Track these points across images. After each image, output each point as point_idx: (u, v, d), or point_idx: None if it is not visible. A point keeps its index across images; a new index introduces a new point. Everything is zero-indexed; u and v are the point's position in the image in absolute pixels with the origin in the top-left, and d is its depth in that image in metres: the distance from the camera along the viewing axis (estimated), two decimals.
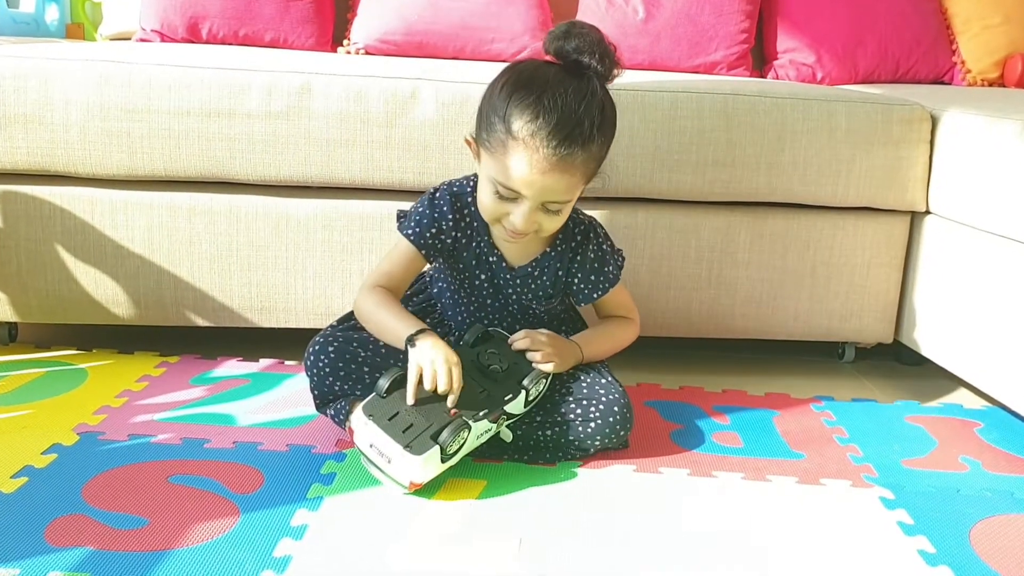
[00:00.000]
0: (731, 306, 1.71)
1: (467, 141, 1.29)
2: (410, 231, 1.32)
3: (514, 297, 1.38)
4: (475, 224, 1.33)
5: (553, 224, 1.25)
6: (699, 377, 1.71)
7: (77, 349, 1.68)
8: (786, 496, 1.26)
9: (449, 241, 1.33)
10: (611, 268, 1.38)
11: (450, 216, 1.31)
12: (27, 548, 1.03)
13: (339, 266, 1.62)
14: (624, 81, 1.61)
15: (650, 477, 1.29)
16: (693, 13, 2.11)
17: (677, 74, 2.07)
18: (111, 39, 2.21)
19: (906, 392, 1.72)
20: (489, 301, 1.39)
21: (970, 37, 2.17)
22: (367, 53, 2.06)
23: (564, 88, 1.17)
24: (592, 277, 1.36)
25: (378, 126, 1.55)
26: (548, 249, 1.35)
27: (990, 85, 2.17)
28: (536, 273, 1.35)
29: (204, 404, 1.47)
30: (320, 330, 1.38)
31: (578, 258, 1.35)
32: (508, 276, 1.36)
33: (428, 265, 1.39)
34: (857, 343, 1.83)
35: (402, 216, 1.35)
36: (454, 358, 1.22)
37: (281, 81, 1.53)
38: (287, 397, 1.51)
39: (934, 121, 1.66)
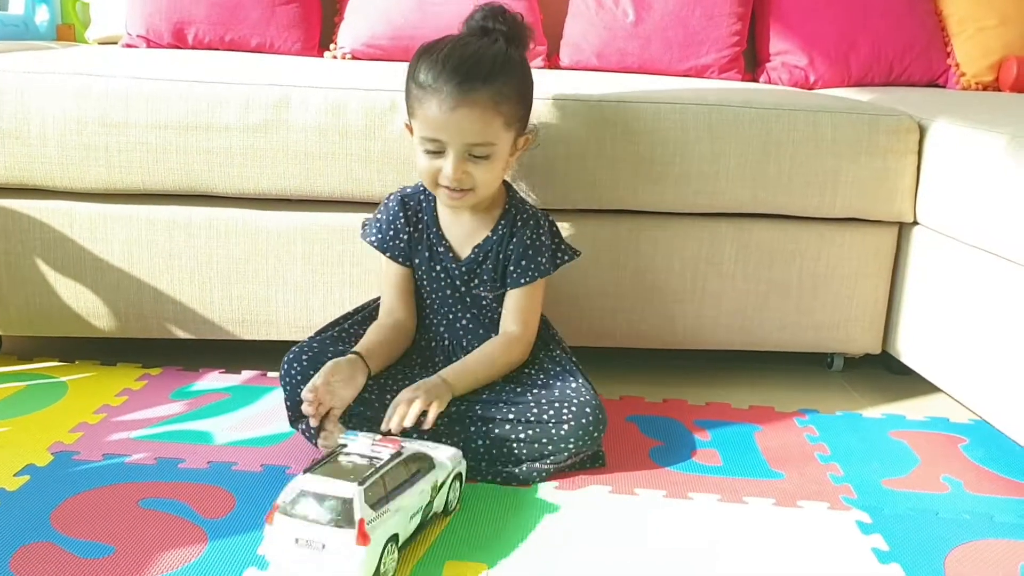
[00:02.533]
0: (716, 317, 1.70)
1: (406, 126, 1.36)
2: (373, 238, 1.41)
3: (464, 289, 1.41)
4: (424, 218, 1.40)
5: (484, 174, 1.30)
6: (683, 389, 1.70)
7: (60, 361, 1.68)
8: (761, 520, 1.25)
9: (405, 238, 1.40)
10: (544, 260, 1.39)
11: (401, 215, 1.39)
12: None
13: (319, 278, 1.62)
14: (606, 92, 1.61)
15: (625, 499, 1.29)
16: (684, 16, 2.08)
17: (666, 78, 2.06)
18: (99, 43, 2.20)
19: (893, 403, 1.70)
20: (449, 292, 1.42)
21: (965, 39, 2.14)
22: (354, 57, 2.05)
23: (464, 41, 1.30)
24: (523, 262, 1.38)
25: (357, 139, 1.53)
26: (490, 233, 1.39)
27: (984, 89, 2.14)
28: (480, 259, 1.39)
29: (182, 420, 1.47)
30: (299, 342, 1.38)
31: (514, 240, 1.38)
32: (454, 267, 1.39)
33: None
34: (845, 353, 1.82)
35: (364, 227, 1.43)
36: (325, 373, 1.23)
37: (259, 94, 1.52)
38: (265, 412, 1.51)
39: (922, 131, 1.63)
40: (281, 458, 1.35)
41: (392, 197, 1.42)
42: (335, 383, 1.24)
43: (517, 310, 1.39)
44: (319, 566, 1.01)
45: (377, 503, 1.04)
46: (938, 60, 2.16)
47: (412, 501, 1.10)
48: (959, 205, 1.52)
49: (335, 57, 2.06)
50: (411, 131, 1.35)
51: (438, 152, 1.29)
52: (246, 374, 1.67)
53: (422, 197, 1.40)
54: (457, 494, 1.22)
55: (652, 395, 1.67)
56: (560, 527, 1.20)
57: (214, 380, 1.64)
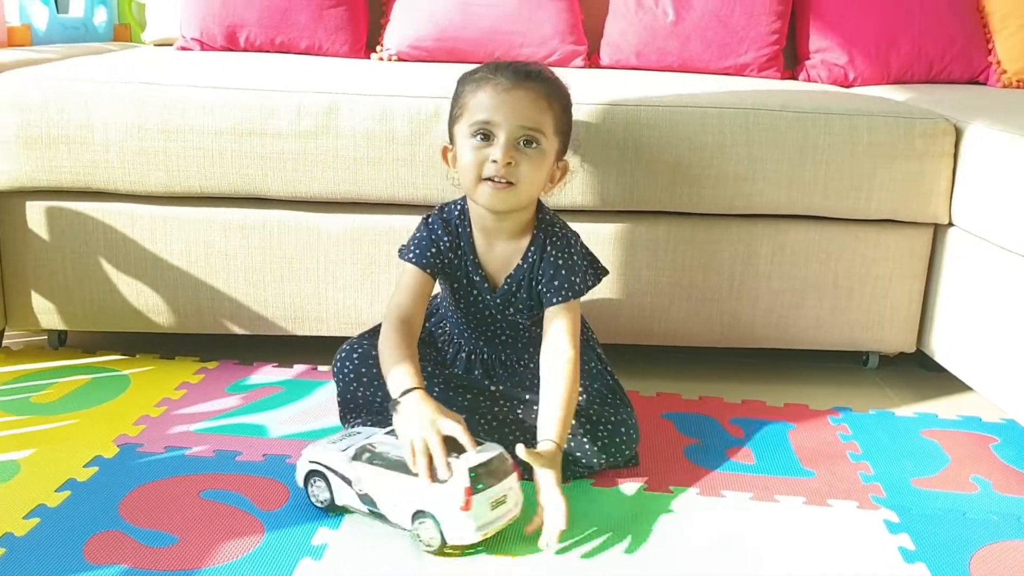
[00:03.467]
0: (752, 316, 1.74)
1: (443, 149, 1.40)
2: (411, 255, 1.39)
3: (499, 318, 1.43)
4: (463, 244, 1.40)
5: (529, 171, 1.29)
6: (720, 386, 1.75)
7: (122, 354, 1.77)
8: (791, 518, 1.30)
9: (446, 261, 1.40)
10: (577, 279, 1.37)
11: (445, 238, 1.39)
12: (68, 565, 1.11)
13: (367, 277, 1.68)
14: (644, 96, 1.65)
15: (659, 497, 1.34)
16: (723, 15, 2.11)
17: (705, 76, 2.09)
18: (155, 44, 2.28)
19: (927, 401, 1.73)
20: (488, 313, 1.43)
21: (1007, 36, 2.14)
22: (399, 59, 2.10)
23: (508, 61, 1.36)
24: (555, 282, 1.36)
25: (403, 144, 1.59)
26: (520, 261, 1.38)
27: None
28: (514, 289, 1.40)
29: (238, 414, 1.55)
30: (349, 338, 1.45)
31: (542, 264, 1.37)
32: (490, 298, 1.41)
33: (438, 289, 1.45)
34: (879, 352, 1.84)
35: (402, 249, 1.41)
36: (433, 424, 1.19)
37: (310, 101, 1.58)
38: (317, 407, 1.58)
39: (959, 133, 1.65)
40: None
41: (432, 218, 1.41)
42: (432, 435, 1.19)
43: (564, 330, 1.34)
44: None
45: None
46: (979, 58, 2.16)
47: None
48: (994, 208, 1.54)
49: (381, 59, 2.12)
50: (446, 157, 1.38)
51: (486, 141, 1.29)
52: (298, 368, 1.74)
53: (459, 223, 1.40)
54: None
55: (689, 392, 1.71)
56: (596, 523, 1.26)
57: (268, 374, 1.72)
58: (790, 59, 2.23)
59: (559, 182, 1.39)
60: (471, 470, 1.14)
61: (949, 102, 1.82)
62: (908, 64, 2.14)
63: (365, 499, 1.21)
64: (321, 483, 1.25)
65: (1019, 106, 1.83)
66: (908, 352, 1.80)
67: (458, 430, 1.18)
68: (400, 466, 1.18)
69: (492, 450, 1.20)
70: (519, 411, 1.38)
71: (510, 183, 1.29)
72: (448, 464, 1.15)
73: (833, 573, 1.18)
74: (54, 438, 1.43)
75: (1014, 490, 1.41)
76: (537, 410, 1.31)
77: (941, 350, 1.71)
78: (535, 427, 1.31)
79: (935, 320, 1.73)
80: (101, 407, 1.55)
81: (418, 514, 1.16)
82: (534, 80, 1.31)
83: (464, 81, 1.35)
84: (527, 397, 1.40)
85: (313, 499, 1.26)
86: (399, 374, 1.26)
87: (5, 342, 1.81)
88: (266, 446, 1.44)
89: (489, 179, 1.29)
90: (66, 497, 1.26)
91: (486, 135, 1.29)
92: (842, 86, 2.16)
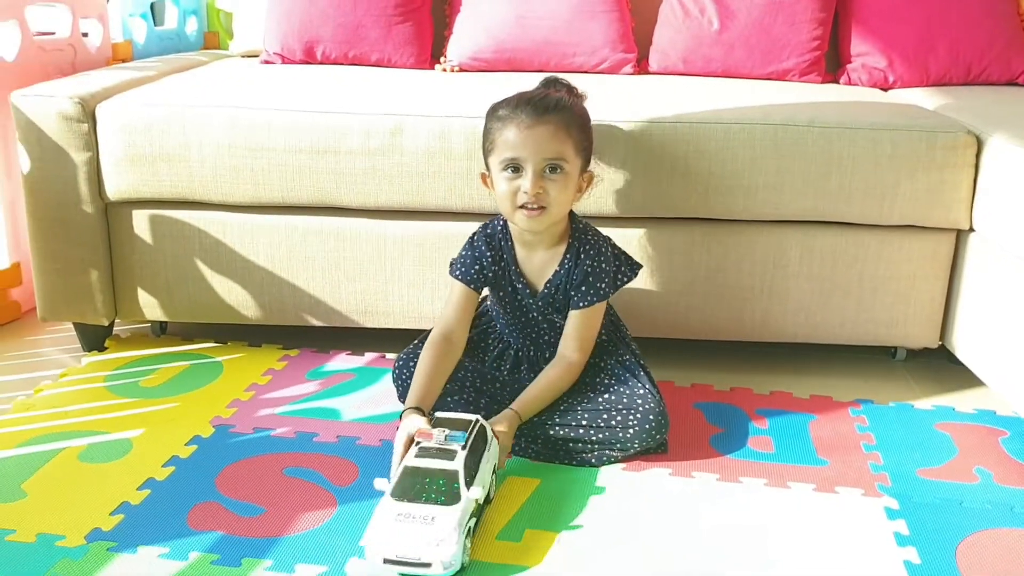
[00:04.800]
0: (782, 314, 1.88)
1: (482, 175, 1.60)
2: (458, 273, 1.60)
3: (540, 318, 1.62)
4: (506, 256, 1.60)
5: (558, 193, 1.49)
6: (750, 377, 1.89)
7: (215, 342, 2.01)
8: (799, 503, 1.45)
9: (490, 275, 1.60)
10: (603, 285, 1.57)
11: (488, 254, 1.60)
12: (174, 531, 1.33)
13: (428, 276, 1.88)
14: (678, 112, 1.79)
15: (681, 481, 1.51)
16: (767, 23, 2.22)
17: (748, 81, 2.21)
18: (242, 56, 2.49)
19: (947, 394, 1.85)
20: (531, 316, 1.63)
21: None
22: (461, 70, 2.28)
23: (532, 90, 1.58)
24: (583, 288, 1.57)
25: (459, 160, 1.77)
26: (558, 267, 1.58)
27: None
28: (553, 292, 1.59)
29: (316, 399, 1.76)
30: (412, 331, 1.67)
31: (577, 270, 1.57)
32: (532, 302, 1.61)
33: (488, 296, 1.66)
34: (904, 346, 1.96)
35: (451, 264, 1.62)
36: (399, 439, 1.39)
37: (377, 123, 1.77)
38: (383, 393, 1.78)
39: (980, 144, 1.75)
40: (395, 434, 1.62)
41: (477, 237, 1.61)
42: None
43: (576, 336, 1.57)
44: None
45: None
46: (1017, 60, 2.23)
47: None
48: (1011, 217, 1.64)
49: (444, 70, 2.29)
50: (485, 182, 1.59)
51: (516, 173, 1.49)
52: (368, 356, 1.95)
53: (501, 237, 1.60)
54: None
55: (720, 383, 1.87)
56: (623, 504, 1.44)
57: (342, 361, 1.93)
58: (832, 62, 2.33)
59: (586, 190, 1.59)
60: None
61: (978, 110, 1.91)
62: (946, 67, 2.22)
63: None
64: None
65: None
66: (933, 347, 1.92)
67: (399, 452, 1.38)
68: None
69: (450, 463, 1.31)
70: (556, 417, 1.55)
71: (542, 207, 1.49)
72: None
73: (830, 555, 1.33)
74: (160, 419, 1.66)
75: (1013, 482, 1.53)
76: (576, 407, 1.52)
77: (962, 346, 1.83)
78: (569, 426, 1.52)
79: (957, 318, 1.84)
80: (199, 391, 1.78)
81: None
82: (552, 113, 1.49)
83: (491, 117, 1.54)
84: (563, 406, 1.57)
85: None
86: (413, 390, 1.50)
87: (115, 331, 2.06)
88: (340, 428, 1.65)
89: (523, 206, 1.48)
90: (171, 472, 1.49)
91: (516, 168, 1.49)
92: (882, 88, 2.25)
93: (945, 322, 1.88)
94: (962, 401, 1.83)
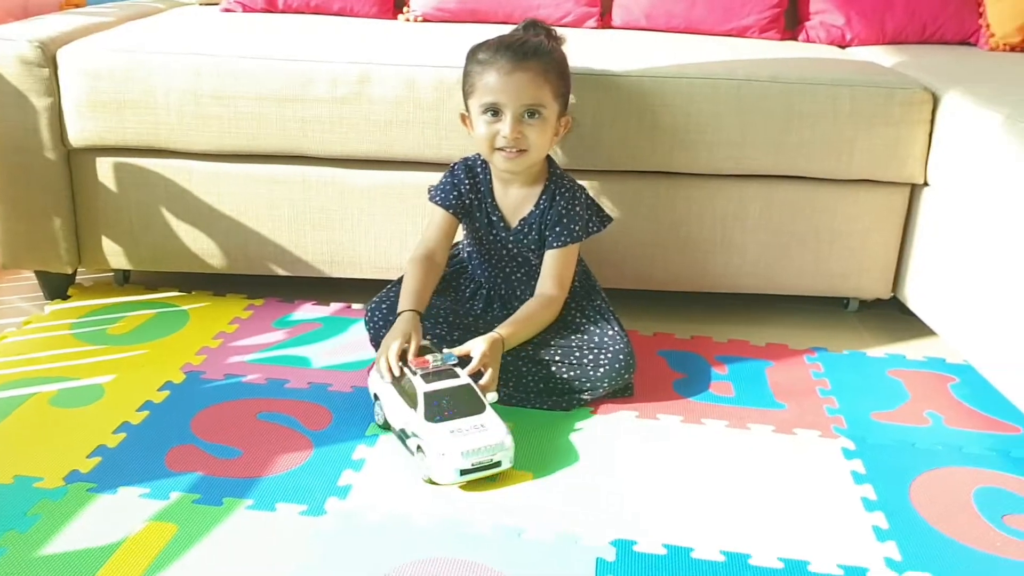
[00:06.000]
0: (741, 265, 1.93)
1: (461, 116, 1.62)
2: (437, 198, 1.65)
3: (515, 251, 1.66)
4: (482, 188, 1.65)
5: (537, 137, 1.53)
6: (710, 327, 1.95)
7: (179, 291, 2.00)
8: (759, 444, 1.51)
9: (467, 202, 1.64)
10: (576, 228, 1.61)
11: (466, 181, 1.64)
12: (152, 472, 1.35)
13: (395, 227, 1.89)
14: (645, 67, 1.81)
15: (648, 423, 1.56)
16: None
17: (709, 37, 2.24)
18: (201, 3, 2.45)
19: (898, 343, 1.92)
20: (504, 252, 1.67)
21: (996, 1, 2.26)
22: (424, 20, 2.27)
23: (511, 34, 1.60)
24: (557, 228, 1.61)
25: (428, 109, 1.78)
26: (533, 207, 1.62)
27: (1012, 50, 2.26)
28: (526, 230, 1.64)
29: (284, 347, 1.77)
30: (380, 281, 1.69)
31: (551, 210, 1.61)
32: (505, 235, 1.65)
33: (461, 233, 1.69)
34: (858, 297, 2.03)
35: (429, 191, 1.67)
36: (397, 344, 1.45)
37: (344, 71, 1.77)
38: (352, 342, 1.80)
39: (936, 100, 1.81)
40: (366, 381, 1.64)
41: (457, 166, 1.66)
42: (390, 353, 1.45)
43: (554, 273, 1.61)
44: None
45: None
46: (970, 20, 2.29)
47: None
48: (964, 170, 1.69)
49: (408, 20, 2.28)
50: (465, 122, 1.61)
51: (496, 117, 1.53)
52: (334, 306, 1.96)
53: (480, 169, 1.65)
54: None
55: (682, 332, 1.92)
56: (594, 445, 1.48)
57: (308, 311, 1.94)
58: (791, 20, 2.37)
59: (563, 134, 1.62)
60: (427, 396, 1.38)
61: (933, 67, 1.97)
62: (902, 26, 2.28)
63: (386, 424, 1.46)
64: (377, 405, 1.49)
65: (1000, 71, 1.97)
66: (885, 299, 1.99)
67: (393, 350, 1.45)
68: (405, 393, 1.41)
69: (459, 379, 1.42)
70: (530, 348, 1.59)
71: (521, 150, 1.52)
72: (398, 370, 1.43)
73: (792, 491, 1.39)
74: (130, 365, 1.66)
75: (963, 424, 1.61)
76: (549, 343, 1.56)
77: (913, 297, 1.90)
78: (543, 361, 1.54)
79: (909, 270, 1.91)
80: (167, 339, 1.78)
81: (418, 449, 1.37)
82: (531, 58, 1.51)
83: (471, 60, 1.56)
84: (537, 339, 1.61)
85: (377, 417, 1.50)
86: (404, 295, 1.56)
87: (78, 280, 2.04)
88: (310, 375, 1.66)
89: (501, 149, 1.50)
90: (146, 416, 1.50)
91: (495, 111, 1.52)
92: (839, 46, 2.30)
93: (898, 274, 1.95)
94: (913, 350, 1.90)
